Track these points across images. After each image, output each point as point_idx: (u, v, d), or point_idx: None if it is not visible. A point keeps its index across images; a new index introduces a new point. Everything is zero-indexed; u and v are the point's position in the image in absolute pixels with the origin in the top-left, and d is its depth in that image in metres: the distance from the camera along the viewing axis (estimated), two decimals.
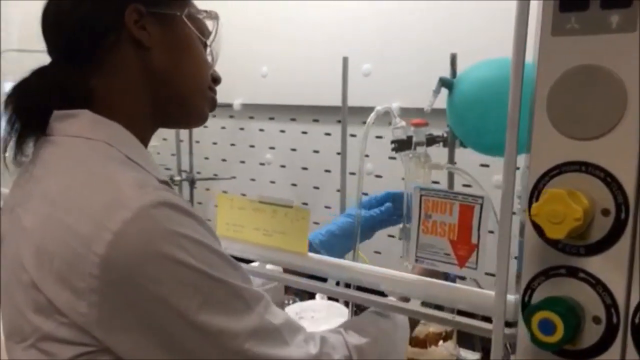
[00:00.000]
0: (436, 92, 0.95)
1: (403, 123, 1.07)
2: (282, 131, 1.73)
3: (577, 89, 0.50)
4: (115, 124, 0.64)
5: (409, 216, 0.98)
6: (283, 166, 1.74)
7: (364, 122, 1.58)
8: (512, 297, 0.68)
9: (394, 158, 1.48)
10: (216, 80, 0.74)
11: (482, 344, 1.17)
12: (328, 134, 1.63)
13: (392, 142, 1.06)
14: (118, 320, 0.54)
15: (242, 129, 1.83)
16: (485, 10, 1.25)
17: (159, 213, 0.54)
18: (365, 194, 1.07)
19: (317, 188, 1.68)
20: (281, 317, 0.61)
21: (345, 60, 1.21)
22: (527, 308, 0.50)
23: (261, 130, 1.78)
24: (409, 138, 1.04)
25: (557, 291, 0.52)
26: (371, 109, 1.52)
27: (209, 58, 0.73)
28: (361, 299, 0.74)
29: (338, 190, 1.62)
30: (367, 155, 1.60)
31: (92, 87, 0.64)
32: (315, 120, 1.65)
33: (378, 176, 1.54)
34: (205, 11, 0.70)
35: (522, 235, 0.55)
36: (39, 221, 0.57)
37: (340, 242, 0.92)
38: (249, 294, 0.59)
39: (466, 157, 1.04)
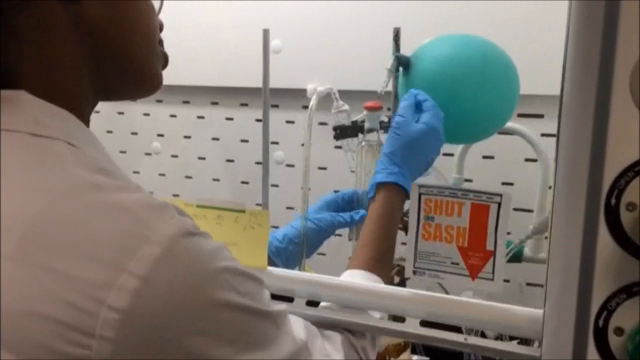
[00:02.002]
0: (391, 71, 0.83)
1: (346, 107, 0.94)
2: (173, 116, 1.51)
3: None
4: (64, 112, 0.45)
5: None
6: (175, 156, 1.53)
7: (273, 105, 1.44)
8: (526, 310, 0.59)
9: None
10: (161, 29, 0.57)
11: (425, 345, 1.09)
12: (230, 119, 1.45)
13: (335, 128, 0.92)
14: None
15: (121, 113, 1.57)
16: None
17: (191, 245, 0.40)
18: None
19: (217, 180, 1.49)
20: (301, 327, 0.52)
21: (265, 33, 1.04)
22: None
23: (146, 114, 1.54)
24: (353, 123, 0.92)
25: None
26: (282, 90, 1.38)
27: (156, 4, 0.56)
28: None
29: (244, 182, 1.46)
30: (277, 142, 1.47)
31: (8, 60, 0.44)
32: (214, 103, 1.46)
33: (290, 165, 1.40)
34: None
35: (590, 243, 0.45)
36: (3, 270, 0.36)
37: (299, 251, 0.77)
38: (276, 313, 0.47)
39: None
